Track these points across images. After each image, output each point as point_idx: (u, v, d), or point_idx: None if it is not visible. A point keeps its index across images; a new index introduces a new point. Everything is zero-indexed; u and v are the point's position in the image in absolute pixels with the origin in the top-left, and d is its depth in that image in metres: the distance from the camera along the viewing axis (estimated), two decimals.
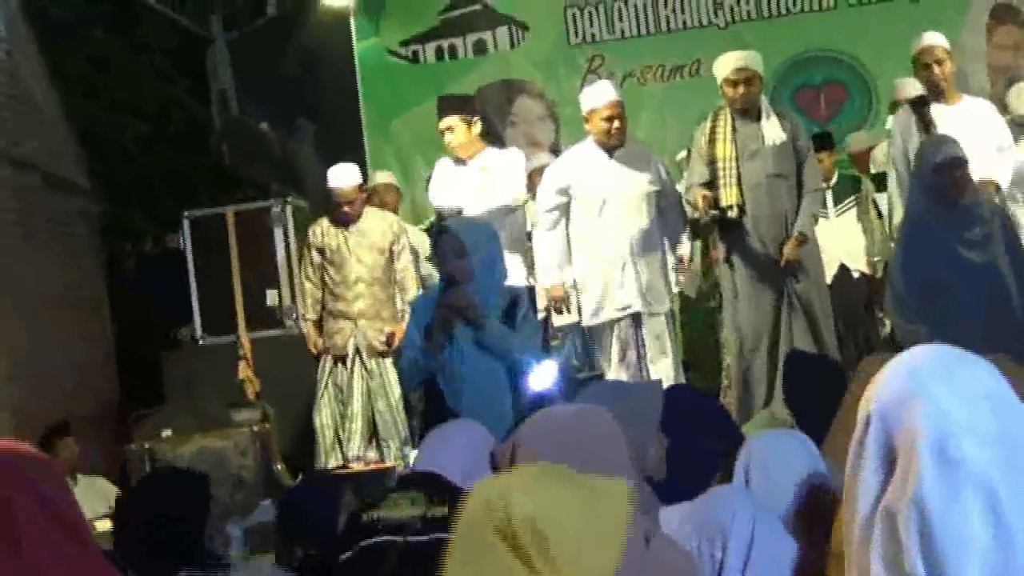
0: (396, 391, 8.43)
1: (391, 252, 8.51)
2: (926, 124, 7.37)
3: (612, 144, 7.63)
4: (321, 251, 8.51)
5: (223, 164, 11.93)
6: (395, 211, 9.34)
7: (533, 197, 8.07)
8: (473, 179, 7.81)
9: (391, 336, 8.35)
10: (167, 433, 7.96)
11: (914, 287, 6.73)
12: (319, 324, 8.63)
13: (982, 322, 6.46)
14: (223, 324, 9.39)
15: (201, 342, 9.54)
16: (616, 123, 7.59)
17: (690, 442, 3.79)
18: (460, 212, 7.60)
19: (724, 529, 2.98)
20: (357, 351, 8.42)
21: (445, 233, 6.08)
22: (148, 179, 12.19)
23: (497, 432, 5.59)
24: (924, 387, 1.89)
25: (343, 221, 8.49)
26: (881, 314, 8.48)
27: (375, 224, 8.57)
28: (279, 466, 7.96)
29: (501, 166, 7.87)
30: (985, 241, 6.73)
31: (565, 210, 7.68)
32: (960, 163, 6.64)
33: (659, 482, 3.65)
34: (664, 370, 7.48)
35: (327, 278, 8.51)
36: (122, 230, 11.61)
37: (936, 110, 7.41)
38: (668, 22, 10.79)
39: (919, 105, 7.47)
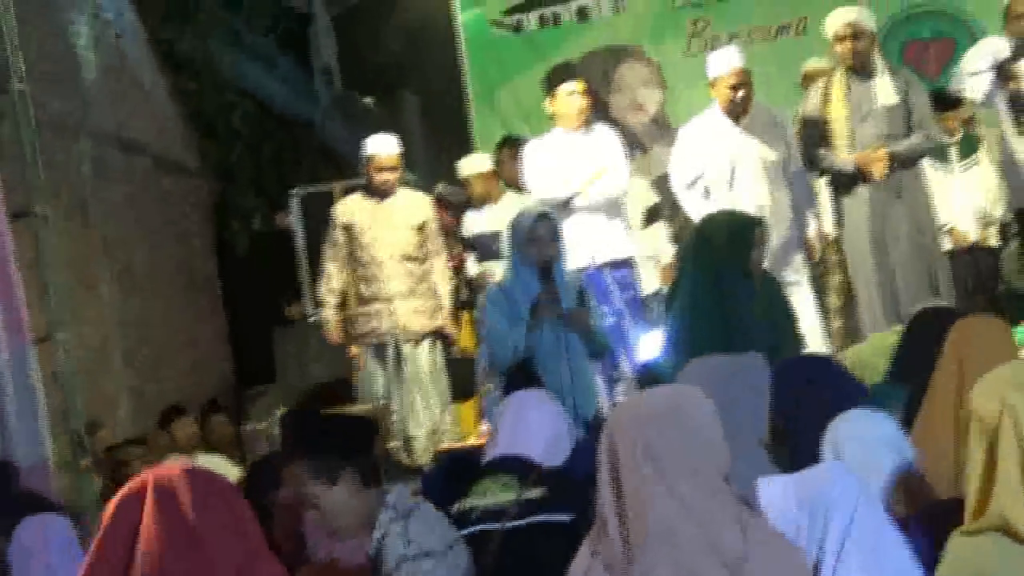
0: (428, 377, 8.09)
1: (423, 232, 8.09)
2: (1006, 80, 7.15)
3: (737, 112, 7.45)
4: (348, 228, 8.04)
5: (327, 140, 11.96)
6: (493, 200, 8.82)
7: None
8: (581, 163, 7.43)
9: (440, 329, 8.14)
10: (279, 413, 7.98)
11: None
12: (340, 312, 8.17)
13: None
14: None
15: (312, 319, 9.53)
16: (741, 92, 7.41)
17: (810, 406, 3.75)
18: (570, 200, 7.34)
19: (827, 506, 2.94)
20: (394, 336, 8.03)
21: (545, 220, 6.10)
22: (255, 157, 12.26)
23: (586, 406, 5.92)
24: None
25: (378, 193, 8.06)
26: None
27: (408, 200, 8.16)
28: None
29: (607, 152, 7.51)
30: None
31: (702, 181, 7.49)
32: None
33: (779, 446, 3.62)
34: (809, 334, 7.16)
35: (356, 258, 8.05)
36: (231, 209, 11.70)
37: None
38: None
39: (1000, 63, 7.21)
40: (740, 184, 7.40)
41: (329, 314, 8.15)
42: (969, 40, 10.02)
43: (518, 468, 3.79)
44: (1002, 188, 8.19)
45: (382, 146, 8.10)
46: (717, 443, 2.70)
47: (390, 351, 8.05)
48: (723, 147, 7.41)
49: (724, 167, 7.42)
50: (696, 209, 7.39)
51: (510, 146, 8.91)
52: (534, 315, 5.98)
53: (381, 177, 8.04)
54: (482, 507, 3.65)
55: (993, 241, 8.59)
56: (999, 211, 8.40)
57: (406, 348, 8.06)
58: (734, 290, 5.97)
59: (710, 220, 6.53)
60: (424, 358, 8.11)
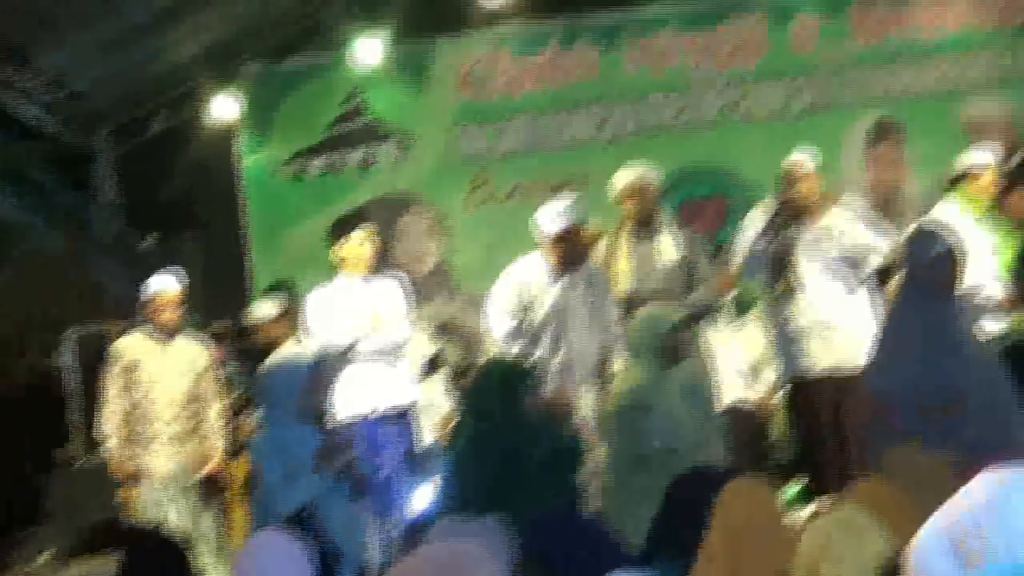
0: (204, 522, 8.00)
1: (204, 376, 8.14)
2: (774, 230, 7.38)
3: (565, 268, 7.32)
4: (130, 368, 7.97)
5: (104, 279, 11.75)
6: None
7: None
8: (364, 310, 7.44)
9: (212, 471, 8.08)
10: (44, 557, 7.73)
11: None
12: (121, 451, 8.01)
13: None
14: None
15: (80, 463, 9.30)
16: (560, 256, 7.28)
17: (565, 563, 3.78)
18: (352, 347, 7.32)
19: None
20: (173, 478, 7.97)
21: (324, 370, 6.15)
22: (27, 294, 11.96)
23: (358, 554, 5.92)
24: None
25: (161, 333, 8.05)
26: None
27: (189, 345, 8.20)
28: None
29: (390, 299, 7.57)
30: None
31: (522, 329, 7.35)
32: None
33: None
34: None
35: (135, 399, 7.97)
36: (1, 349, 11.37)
37: (796, 230, 7.38)
38: (553, 137, 10.87)
39: (768, 223, 7.44)
40: (565, 337, 7.30)
41: (114, 450, 7.99)
42: (742, 199, 10.41)
43: None
44: (770, 347, 8.44)
45: (166, 284, 8.08)
46: None
47: (169, 492, 7.92)
48: (540, 299, 7.32)
49: (547, 319, 7.31)
50: None
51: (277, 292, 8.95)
52: (318, 465, 5.95)
53: (165, 316, 8.00)
54: None
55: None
56: (767, 370, 8.62)
57: (184, 491, 7.95)
58: (509, 437, 6.02)
59: (484, 368, 6.60)
60: (200, 503, 8.00)
